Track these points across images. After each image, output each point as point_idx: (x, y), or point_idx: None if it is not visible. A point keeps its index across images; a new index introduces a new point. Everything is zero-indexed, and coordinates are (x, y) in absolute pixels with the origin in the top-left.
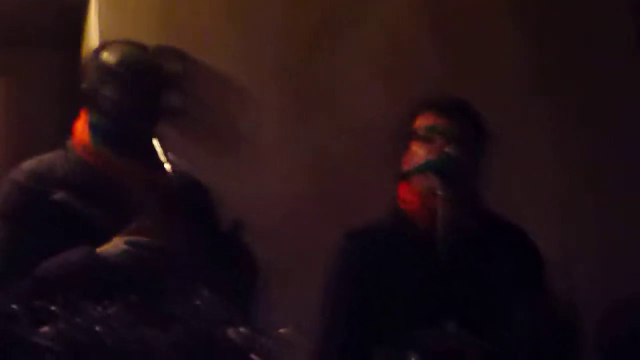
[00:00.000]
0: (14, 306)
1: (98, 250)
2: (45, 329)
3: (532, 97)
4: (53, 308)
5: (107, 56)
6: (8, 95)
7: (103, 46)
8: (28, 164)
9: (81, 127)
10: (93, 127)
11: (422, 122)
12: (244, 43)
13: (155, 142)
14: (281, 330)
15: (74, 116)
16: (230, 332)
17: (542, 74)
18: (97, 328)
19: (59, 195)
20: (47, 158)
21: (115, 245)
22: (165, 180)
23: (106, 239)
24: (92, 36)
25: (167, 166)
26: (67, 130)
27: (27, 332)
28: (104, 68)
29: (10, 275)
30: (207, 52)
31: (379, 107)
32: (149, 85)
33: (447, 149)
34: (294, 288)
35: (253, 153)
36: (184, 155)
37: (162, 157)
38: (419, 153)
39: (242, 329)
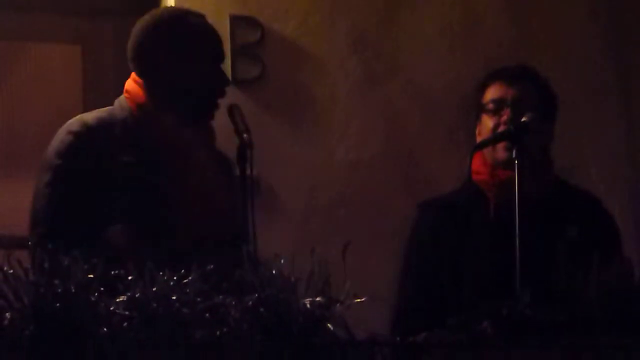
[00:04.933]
0: (90, 275)
1: None
2: (121, 297)
3: (602, 64)
4: (130, 277)
5: (166, 23)
6: (84, 62)
7: (162, 13)
8: (87, 118)
9: (136, 90)
10: (153, 93)
11: (491, 94)
12: (320, 13)
13: (235, 110)
14: (357, 299)
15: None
16: (306, 301)
17: (612, 40)
18: (173, 297)
19: (126, 158)
20: (106, 116)
21: None
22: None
23: (168, 205)
24: (169, 4)
25: (245, 135)
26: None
27: (103, 301)
28: (163, 35)
29: (71, 235)
30: (283, 22)
31: (453, 76)
32: (207, 53)
33: (523, 118)
34: (369, 256)
35: (328, 121)
36: (261, 124)
37: (240, 125)
38: (490, 125)
39: (318, 298)
